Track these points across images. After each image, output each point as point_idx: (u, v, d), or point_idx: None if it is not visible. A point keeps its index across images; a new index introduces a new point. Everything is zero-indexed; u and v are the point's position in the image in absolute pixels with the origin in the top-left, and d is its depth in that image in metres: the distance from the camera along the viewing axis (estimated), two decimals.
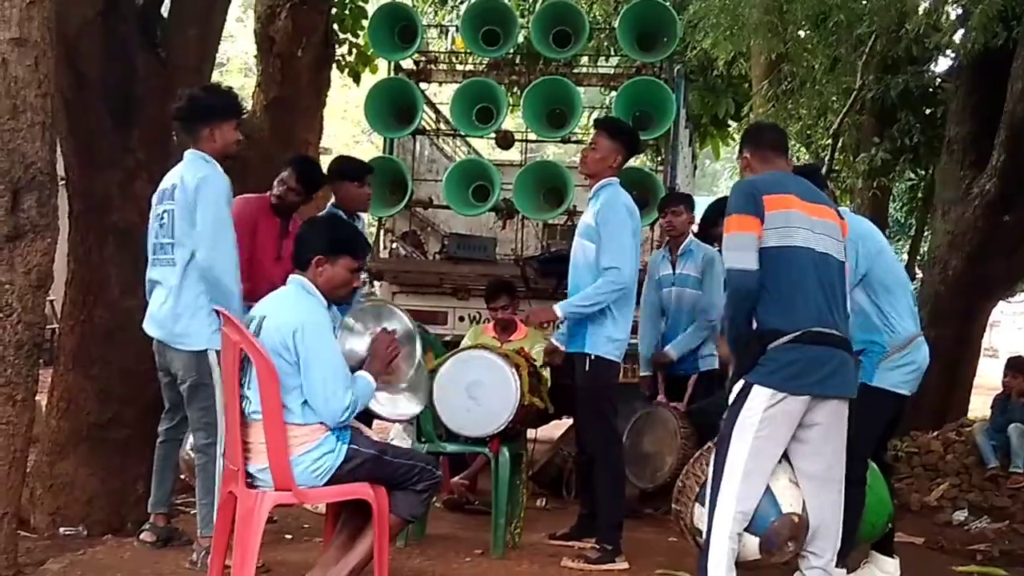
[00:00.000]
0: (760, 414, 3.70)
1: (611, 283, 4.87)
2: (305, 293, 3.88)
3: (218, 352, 4.39)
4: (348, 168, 5.76)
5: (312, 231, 4.09)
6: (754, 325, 3.82)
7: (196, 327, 4.47)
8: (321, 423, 3.76)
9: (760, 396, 3.71)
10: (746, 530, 3.76)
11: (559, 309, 5.00)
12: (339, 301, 4.15)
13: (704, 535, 3.82)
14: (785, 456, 3.85)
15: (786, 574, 4.12)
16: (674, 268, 6.19)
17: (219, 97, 4.72)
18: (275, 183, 5.45)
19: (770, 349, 3.72)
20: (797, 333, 3.70)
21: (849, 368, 3.86)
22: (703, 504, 3.91)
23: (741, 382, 3.80)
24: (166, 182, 4.62)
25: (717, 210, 5.43)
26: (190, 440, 4.77)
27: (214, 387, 4.46)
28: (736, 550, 3.74)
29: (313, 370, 3.71)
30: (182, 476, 4.99)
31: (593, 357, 4.95)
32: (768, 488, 3.79)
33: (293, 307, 3.81)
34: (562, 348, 5.12)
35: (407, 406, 4.38)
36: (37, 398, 4.59)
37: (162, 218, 4.57)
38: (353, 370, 3.95)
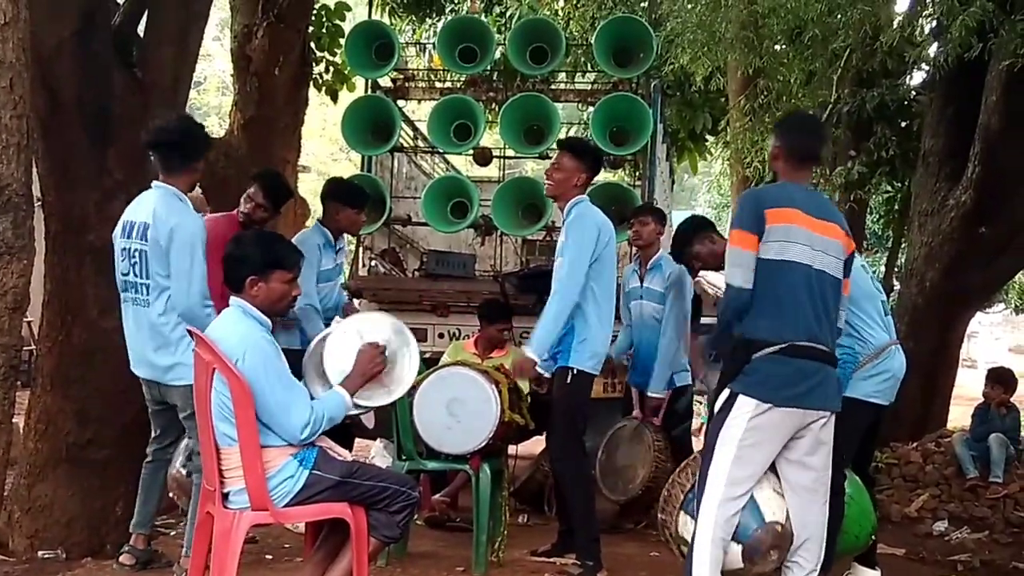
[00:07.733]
0: (745, 424, 3.73)
1: (557, 304, 4.91)
2: (243, 316, 3.80)
3: None
4: (350, 195, 5.86)
5: (239, 251, 3.90)
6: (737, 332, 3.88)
7: (186, 361, 4.45)
8: (285, 446, 3.72)
9: (745, 406, 3.74)
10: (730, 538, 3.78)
11: (533, 353, 4.94)
12: (281, 313, 4.07)
13: (689, 543, 3.83)
14: (771, 466, 3.88)
15: None
16: (642, 282, 6.21)
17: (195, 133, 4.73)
18: (242, 200, 5.48)
19: (755, 359, 3.75)
20: (783, 345, 3.73)
21: (833, 383, 3.89)
22: (688, 513, 3.93)
23: (727, 391, 3.82)
24: (135, 215, 4.60)
25: (685, 230, 5.40)
26: (179, 458, 4.79)
27: None
28: (721, 557, 3.75)
29: (263, 391, 3.65)
30: (170, 495, 4.96)
31: (576, 371, 4.97)
32: (752, 497, 3.81)
33: (234, 333, 3.73)
34: (546, 375, 5.10)
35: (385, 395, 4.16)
36: (15, 420, 4.56)
37: (133, 256, 4.56)
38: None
